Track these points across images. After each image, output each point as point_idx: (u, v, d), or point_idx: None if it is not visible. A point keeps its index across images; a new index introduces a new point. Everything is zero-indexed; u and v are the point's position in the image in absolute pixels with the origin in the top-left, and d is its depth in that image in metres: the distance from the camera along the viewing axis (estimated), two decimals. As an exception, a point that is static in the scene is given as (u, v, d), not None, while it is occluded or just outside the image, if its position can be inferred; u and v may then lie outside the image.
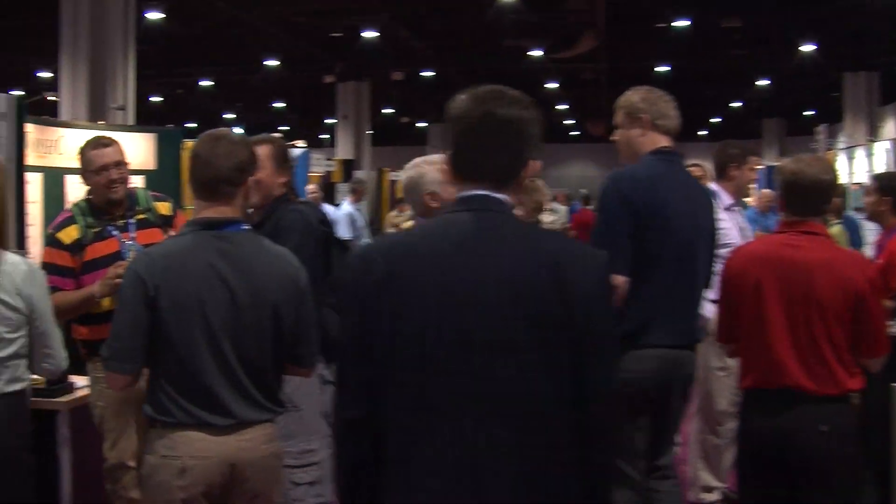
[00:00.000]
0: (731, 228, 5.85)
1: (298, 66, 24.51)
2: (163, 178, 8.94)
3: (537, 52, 21.99)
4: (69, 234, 4.81)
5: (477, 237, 2.35)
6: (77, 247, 4.79)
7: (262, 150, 4.56)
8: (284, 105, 33.14)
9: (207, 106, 32.14)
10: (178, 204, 6.13)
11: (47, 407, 4.99)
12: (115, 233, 4.88)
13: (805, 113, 35.11)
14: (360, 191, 14.28)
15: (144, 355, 3.25)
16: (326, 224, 4.87)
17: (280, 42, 21.23)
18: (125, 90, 12.96)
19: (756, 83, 27.01)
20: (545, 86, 27.09)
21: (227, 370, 3.25)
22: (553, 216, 9.80)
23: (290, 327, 3.37)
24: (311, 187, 14.09)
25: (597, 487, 2.35)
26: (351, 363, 2.44)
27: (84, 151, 4.93)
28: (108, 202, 4.88)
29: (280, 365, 3.44)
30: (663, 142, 4.34)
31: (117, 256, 4.76)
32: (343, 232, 12.95)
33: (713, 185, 6.04)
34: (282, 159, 4.74)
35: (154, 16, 17.02)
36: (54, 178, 7.79)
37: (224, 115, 35.03)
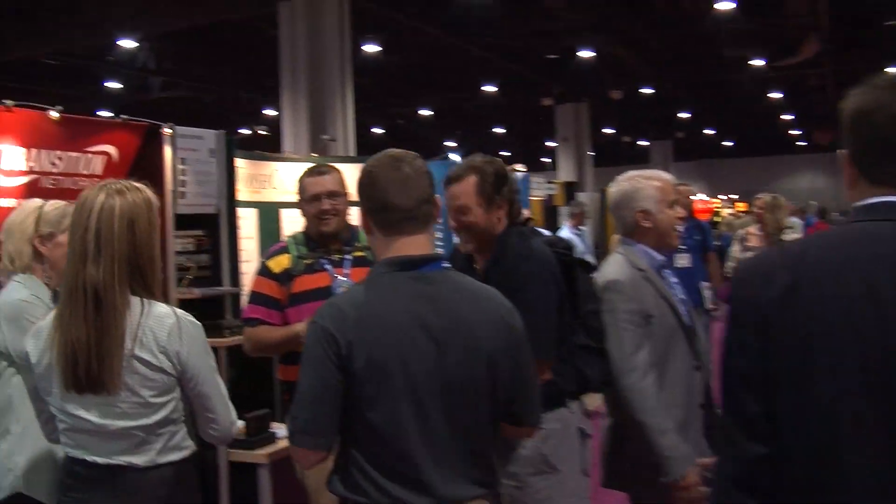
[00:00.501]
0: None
1: (516, 90, 24.46)
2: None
3: (759, 62, 21.18)
4: (279, 263, 4.58)
5: None
6: (286, 277, 4.53)
7: (465, 186, 3.89)
8: (504, 130, 33.19)
9: (427, 134, 32.57)
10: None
11: (247, 460, 4.77)
12: (328, 266, 4.55)
13: None
14: (579, 214, 13.76)
15: (338, 426, 2.71)
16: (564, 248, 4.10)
17: (496, 67, 21.23)
18: (344, 122, 13.09)
19: None
20: (769, 95, 26.17)
21: (434, 439, 2.67)
22: (793, 234, 9.41)
23: (506, 381, 2.79)
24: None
25: None
26: (746, 392, 2.02)
27: (301, 179, 4.69)
28: (321, 235, 4.59)
29: (495, 428, 2.87)
30: None
31: (327, 292, 4.37)
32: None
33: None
34: (493, 189, 3.88)
35: (371, 48, 17.27)
36: (269, 213, 7.83)
37: (445, 143, 35.39)
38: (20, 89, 13.50)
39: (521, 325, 2.86)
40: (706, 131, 36.48)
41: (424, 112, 27.73)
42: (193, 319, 3.14)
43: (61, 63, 18.62)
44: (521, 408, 2.89)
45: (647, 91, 25.00)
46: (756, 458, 2.00)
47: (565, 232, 13.29)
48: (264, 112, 24.57)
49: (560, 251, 4.01)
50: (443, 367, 2.68)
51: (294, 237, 4.74)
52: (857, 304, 1.90)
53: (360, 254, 4.63)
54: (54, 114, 5.75)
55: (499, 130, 33.28)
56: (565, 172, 25.04)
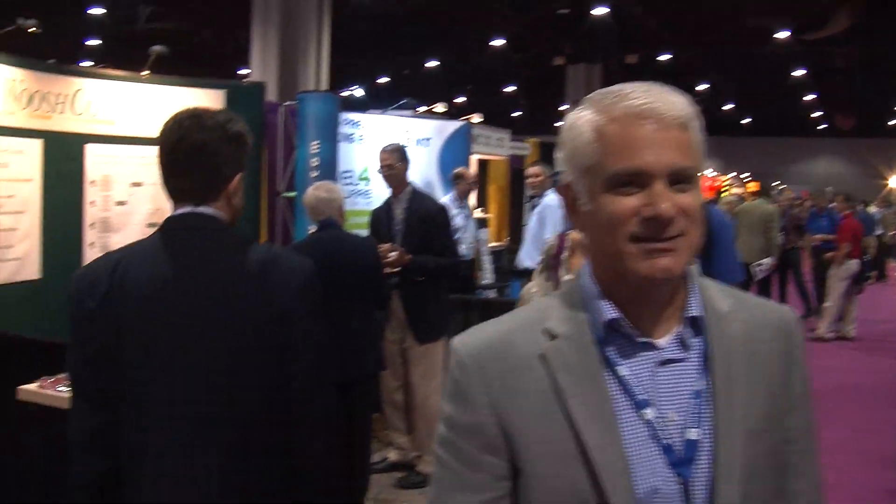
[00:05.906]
0: None
1: (526, 46, 23.30)
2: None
3: (784, 34, 19.96)
4: None
5: None
6: None
7: None
8: (514, 88, 31.93)
9: (435, 87, 31.33)
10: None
11: None
12: None
13: None
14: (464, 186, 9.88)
15: None
16: None
17: (506, 18, 20.04)
18: (318, 55, 12.12)
19: None
20: (792, 74, 25.01)
21: None
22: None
23: None
24: (534, 170, 9.14)
25: None
26: None
27: None
28: None
29: None
30: None
31: None
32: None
33: None
34: None
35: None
36: (63, 147, 6.09)
37: (454, 99, 34.16)
38: None
39: None
40: (724, 107, 35.45)
41: (431, 63, 26.47)
42: None
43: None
44: None
45: (665, 58, 23.88)
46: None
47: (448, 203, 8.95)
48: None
49: None
50: None
51: None
52: None
53: None
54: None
55: (510, 89, 31.99)
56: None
